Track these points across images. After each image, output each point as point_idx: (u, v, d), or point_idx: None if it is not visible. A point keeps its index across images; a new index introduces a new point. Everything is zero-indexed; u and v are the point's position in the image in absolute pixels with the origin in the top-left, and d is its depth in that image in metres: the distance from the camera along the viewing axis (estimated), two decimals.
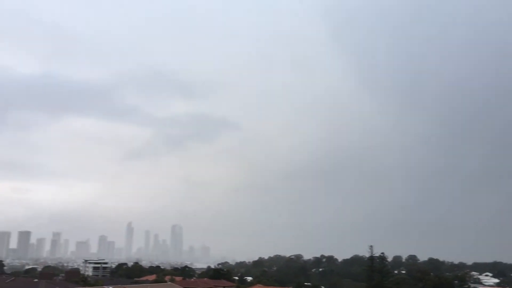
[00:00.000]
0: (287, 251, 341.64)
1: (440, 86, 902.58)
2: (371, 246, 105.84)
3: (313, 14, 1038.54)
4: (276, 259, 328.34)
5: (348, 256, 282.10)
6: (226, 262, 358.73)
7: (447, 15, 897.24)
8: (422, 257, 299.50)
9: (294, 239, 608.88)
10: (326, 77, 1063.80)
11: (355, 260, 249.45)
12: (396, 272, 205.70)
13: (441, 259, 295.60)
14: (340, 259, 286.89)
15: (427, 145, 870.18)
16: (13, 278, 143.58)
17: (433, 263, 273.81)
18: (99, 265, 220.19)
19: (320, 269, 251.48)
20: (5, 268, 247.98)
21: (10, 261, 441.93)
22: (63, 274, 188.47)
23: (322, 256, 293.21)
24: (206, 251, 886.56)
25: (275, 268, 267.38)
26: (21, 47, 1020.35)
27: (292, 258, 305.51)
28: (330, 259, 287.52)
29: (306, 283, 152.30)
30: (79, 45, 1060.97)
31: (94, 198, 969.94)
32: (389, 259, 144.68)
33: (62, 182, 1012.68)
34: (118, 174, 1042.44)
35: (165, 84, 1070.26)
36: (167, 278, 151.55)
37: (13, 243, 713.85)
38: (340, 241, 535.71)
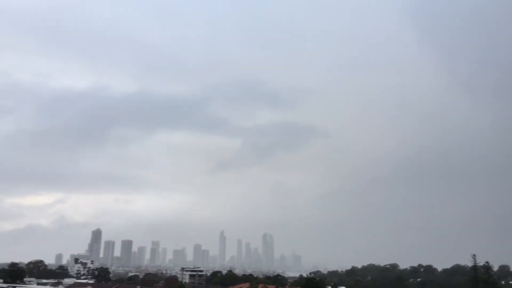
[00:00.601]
0: (382, 260, 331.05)
1: None
2: (474, 255, 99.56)
3: (402, 14, 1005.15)
4: (370, 268, 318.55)
5: (448, 265, 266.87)
6: (318, 271, 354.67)
7: None
8: None
9: (388, 247, 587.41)
10: (417, 78, 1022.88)
11: (457, 269, 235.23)
12: (503, 283, 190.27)
13: None
14: (439, 269, 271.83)
15: None
16: (118, 285, 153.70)
17: None
18: (195, 273, 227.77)
19: (418, 279, 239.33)
20: (110, 275, 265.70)
21: (115, 269, 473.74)
22: (162, 281, 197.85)
23: (420, 265, 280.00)
24: (297, 259, 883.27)
25: (369, 278, 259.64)
26: (117, 67, 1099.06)
27: (387, 268, 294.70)
28: (429, 268, 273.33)
29: None
30: (168, 61, 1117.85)
31: (188, 207, 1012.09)
32: (495, 268, 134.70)
33: (159, 193, 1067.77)
34: (209, 184, 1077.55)
35: (252, 95, 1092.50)
36: (260, 286, 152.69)
37: (117, 252, 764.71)
38: (439, 249, 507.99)
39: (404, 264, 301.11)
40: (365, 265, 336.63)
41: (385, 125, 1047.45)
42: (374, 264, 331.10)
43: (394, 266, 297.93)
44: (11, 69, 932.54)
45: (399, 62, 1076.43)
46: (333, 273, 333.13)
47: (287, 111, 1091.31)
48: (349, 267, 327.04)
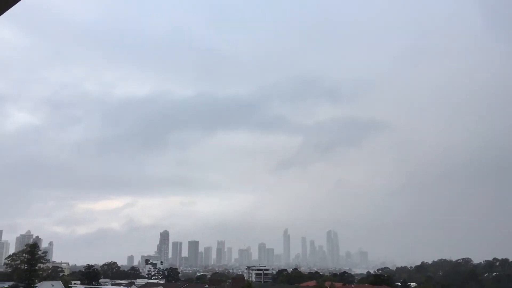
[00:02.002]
0: (453, 255, 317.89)
1: None
2: None
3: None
4: (441, 264, 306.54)
5: None
6: (386, 267, 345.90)
7: None
8: None
9: (459, 241, 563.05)
10: (486, 60, 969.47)
11: None
12: None
13: None
14: None
15: None
16: (187, 284, 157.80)
17: None
18: (261, 272, 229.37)
19: (494, 274, 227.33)
20: (179, 275, 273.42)
21: (183, 269, 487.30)
22: (229, 280, 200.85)
23: (495, 259, 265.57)
24: (363, 256, 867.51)
25: (441, 273, 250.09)
26: (176, 72, 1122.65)
27: (459, 262, 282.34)
28: (505, 262, 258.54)
29: None
30: (225, 64, 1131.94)
31: (252, 207, 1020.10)
32: None
33: (222, 194, 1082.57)
34: (271, 183, 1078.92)
35: (311, 91, 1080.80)
36: (327, 284, 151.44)
37: (184, 252, 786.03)
38: None
39: (477, 258, 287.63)
40: (435, 260, 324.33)
41: (455, 115, 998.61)
42: (445, 259, 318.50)
43: (467, 261, 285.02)
44: (78, 80, 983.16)
45: (463, 45, 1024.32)
46: (402, 269, 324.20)
47: (348, 106, 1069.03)
48: (418, 263, 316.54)
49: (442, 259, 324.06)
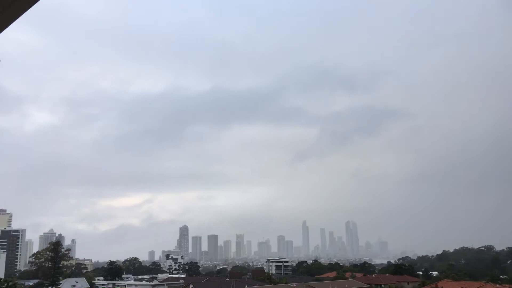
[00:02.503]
0: (475, 242, 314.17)
1: None
2: None
3: None
4: (463, 252, 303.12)
5: None
6: (406, 257, 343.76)
7: None
8: None
9: (481, 228, 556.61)
10: (507, 51, 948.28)
11: None
12: None
13: None
14: None
15: None
16: (208, 277, 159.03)
17: None
18: (280, 264, 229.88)
19: None
20: (200, 269, 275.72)
21: (203, 263, 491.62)
22: (249, 273, 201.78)
23: None
24: (383, 246, 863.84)
25: (463, 262, 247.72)
26: (191, 67, 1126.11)
27: (481, 250, 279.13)
28: None
29: (501, 277, 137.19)
30: (240, 56, 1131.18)
31: (270, 200, 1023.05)
32: None
33: (239, 187, 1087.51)
34: (289, 175, 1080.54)
35: (327, 82, 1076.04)
36: (347, 274, 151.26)
37: (204, 246, 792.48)
38: None
39: (500, 246, 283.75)
40: (457, 248, 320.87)
41: (476, 103, 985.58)
42: (467, 247, 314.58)
43: (489, 248, 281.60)
44: (94, 78, 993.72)
45: (485, 31, 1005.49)
46: (423, 258, 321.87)
47: (364, 95, 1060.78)
48: (440, 251, 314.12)
49: (464, 247, 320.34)
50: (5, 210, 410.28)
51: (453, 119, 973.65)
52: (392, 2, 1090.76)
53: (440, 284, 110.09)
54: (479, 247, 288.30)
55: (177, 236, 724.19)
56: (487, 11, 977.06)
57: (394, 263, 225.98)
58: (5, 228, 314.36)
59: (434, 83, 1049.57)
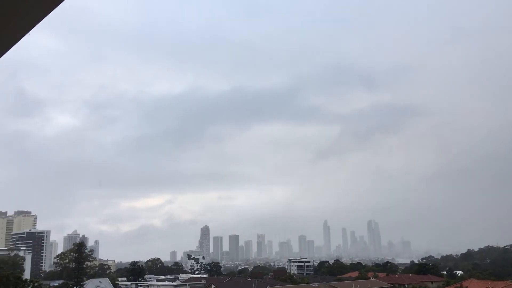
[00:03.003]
0: (501, 241, 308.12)
1: None
2: None
3: None
4: (488, 251, 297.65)
5: None
6: (430, 256, 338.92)
7: None
8: None
9: (506, 226, 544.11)
10: None
11: None
12: None
13: None
14: None
15: None
16: (230, 278, 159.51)
17: None
18: (302, 264, 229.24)
19: None
20: (221, 269, 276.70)
21: (225, 263, 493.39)
22: (271, 273, 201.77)
23: None
24: (406, 245, 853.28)
25: (488, 261, 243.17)
26: (210, 68, 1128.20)
27: (508, 249, 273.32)
28: None
29: None
30: (259, 56, 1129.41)
31: (290, 199, 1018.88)
32: None
33: (259, 187, 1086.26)
34: (310, 175, 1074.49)
35: (346, 79, 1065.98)
36: (369, 274, 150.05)
37: (225, 246, 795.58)
38: None
39: None
40: (482, 247, 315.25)
41: (499, 96, 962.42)
42: (492, 246, 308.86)
43: None
44: (116, 80, 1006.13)
45: (506, 25, 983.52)
46: (447, 258, 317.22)
47: (384, 92, 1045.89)
48: (464, 250, 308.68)
49: (489, 245, 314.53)
50: (30, 212, 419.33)
51: (475, 115, 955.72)
52: None
53: (465, 283, 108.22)
54: (505, 246, 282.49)
55: (198, 237, 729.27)
56: (508, 4, 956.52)
57: (417, 262, 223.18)
58: (30, 230, 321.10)
59: (455, 79, 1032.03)
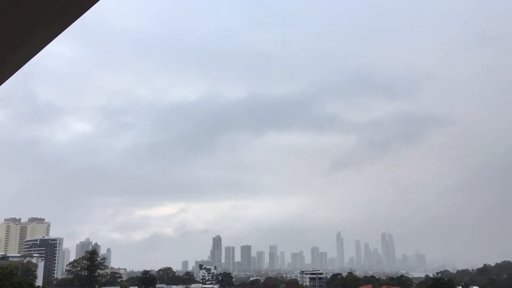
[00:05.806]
0: None
1: None
2: None
3: None
4: (505, 266, 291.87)
5: None
6: (445, 271, 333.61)
7: None
8: None
9: None
10: None
11: None
12: None
13: None
14: None
15: None
16: None
17: None
18: (314, 276, 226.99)
19: None
20: (233, 280, 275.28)
21: (236, 273, 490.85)
22: (283, 285, 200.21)
23: None
24: (421, 258, 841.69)
25: (505, 276, 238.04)
26: (227, 75, 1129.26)
27: None
28: None
29: None
30: (276, 64, 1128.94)
31: (304, 210, 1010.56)
32: None
33: (273, 197, 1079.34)
34: (324, 185, 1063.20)
35: (364, 87, 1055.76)
36: (383, 287, 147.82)
37: (237, 257, 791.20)
38: None
39: None
40: (499, 262, 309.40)
41: None
42: (509, 261, 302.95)
43: None
44: (131, 87, 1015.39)
45: None
46: (463, 272, 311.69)
47: (404, 101, 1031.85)
48: (480, 265, 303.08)
49: (506, 261, 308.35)
50: (43, 219, 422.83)
51: (496, 124, 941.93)
52: (431, 5, 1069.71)
53: None
54: None
55: (210, 246, 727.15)
56: None
57: (432, 276, 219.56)
58: (43, 237, 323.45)
59: (477, 87, 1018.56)
